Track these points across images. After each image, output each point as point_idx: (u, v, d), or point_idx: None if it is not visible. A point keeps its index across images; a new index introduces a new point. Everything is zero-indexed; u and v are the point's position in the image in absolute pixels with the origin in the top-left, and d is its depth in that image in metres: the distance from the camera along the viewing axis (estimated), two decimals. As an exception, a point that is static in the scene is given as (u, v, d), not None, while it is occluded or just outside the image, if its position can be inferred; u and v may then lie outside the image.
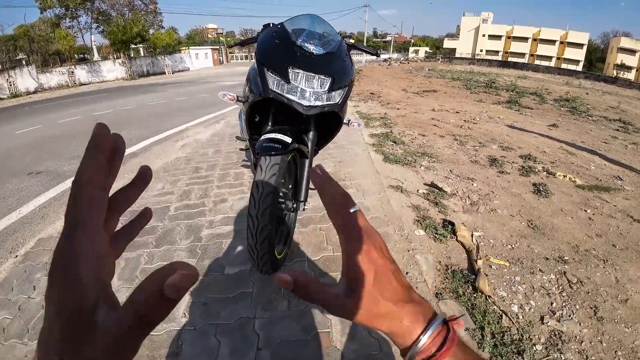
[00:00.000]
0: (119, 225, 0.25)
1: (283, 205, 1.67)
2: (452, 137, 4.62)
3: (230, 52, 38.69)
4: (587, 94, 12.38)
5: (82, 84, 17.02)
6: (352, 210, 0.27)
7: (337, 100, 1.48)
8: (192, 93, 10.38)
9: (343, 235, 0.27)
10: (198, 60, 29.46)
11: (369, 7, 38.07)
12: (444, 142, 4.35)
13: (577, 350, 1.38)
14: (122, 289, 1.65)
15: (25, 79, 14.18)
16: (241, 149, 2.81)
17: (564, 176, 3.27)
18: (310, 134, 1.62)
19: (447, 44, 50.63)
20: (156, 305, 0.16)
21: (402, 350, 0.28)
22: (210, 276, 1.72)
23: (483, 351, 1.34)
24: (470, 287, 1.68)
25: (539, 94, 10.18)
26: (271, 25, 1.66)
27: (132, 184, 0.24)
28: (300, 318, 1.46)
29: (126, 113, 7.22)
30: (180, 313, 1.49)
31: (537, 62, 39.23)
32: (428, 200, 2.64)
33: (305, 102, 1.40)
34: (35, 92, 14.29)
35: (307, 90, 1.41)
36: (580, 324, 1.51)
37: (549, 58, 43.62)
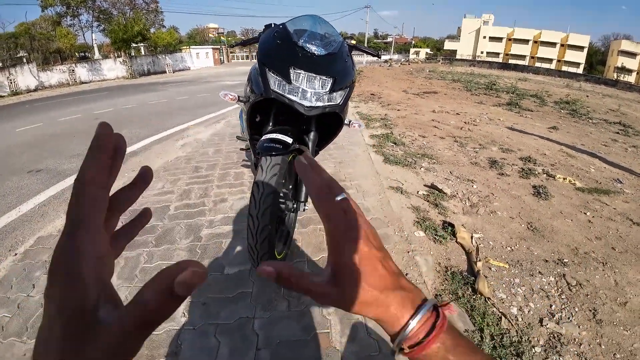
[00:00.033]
0: (119, 225, 0.25)
1: (283, 206, 1.67)
2: (452, 138, 4.63)
3: (231, 52, 38.73)
4: (587, 96, 12.39)
5: (83, 83, 17.02)
6: (338, 198, 0.27)
7: (338, 101, 1.48)
8: (193, 92, 10.38)
9: (327, 224, 0.27)
10: (199, 59, 29.48)
11: (370, 8, 38.09)
12: (444, 144, 4.35)
13: (575, 352, 1.38)
14: (121, 287, 1.64)
15: (25, 77, 14.19)
16: (241, 149, 2.81)
17: (564, 179, 3.28)
18: (311, 135, 1.62)
19: (448, 45, 50.71)
20: (165, 302, 0.17)
21: (391, 337, 0.28)
22: (210, 276, 1.72)
23: (482, 353, 1.34)
24: (470, 289, 1.68)
25: (540, 96, 10.19)
26: (273, 25, 1.66)
27: (133, 184, 0.25)
28: (299, 318, 1.46)
29: (127, 112, 7.22)
30: (180, 312, 1.48)
31: (537, 64, 39.27)
32: (428, 201, 2.65)
33: (306, 103, 1.41)
34: (35, 90, 14.29)
35: (308, 90, 1.41)
36: (579, 327, 1.51)
37: (550, 60, 43.67)
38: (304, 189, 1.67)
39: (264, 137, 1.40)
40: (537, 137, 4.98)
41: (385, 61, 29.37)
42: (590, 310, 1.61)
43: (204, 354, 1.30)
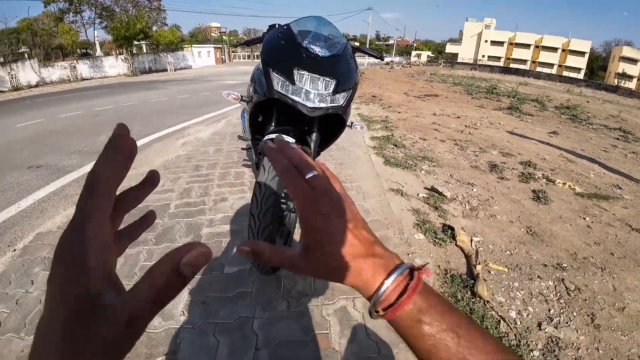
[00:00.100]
0: (121, 226, 0.26)
1: (284, 206, 1.68)
2: (452, 141, 4.64)
3: (233, 51, 38.73)
4: (587, 102, 12.42)
5: (84, 79, 17.01)
6: (308, 176, 0.28)
7: (341, 103, 1.48)
8: (194, 91, 10.38)
9: (295, 202, 0.28)
10: (200, 58, 29.48)
11: (372, 10, 38.11)
12: (444, 147, 4.36)
13: (573, 357, 1.39)
14: (121, 285, 1.64)
15: (27, 73, 14.18)
16: (243, 149, 2.81)
17: (564, 184, 3.28)
18: (314, 136, 1.62)
19: (450, 48, 50.81)
20: (172, 282, 0.17)
21: (369, 301, 0.29)
22: (210, 275, 1.72)
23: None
24: (469, 292, 1.69)
25: (540, 101, 10.21)
26: (277, 26, 1.66)
27: (140, 185, 0.25)
28: (299, 319, 1.46)
29: (128, 109, 7.22)
30: (179, 311, 1.49)
31: (538, 69, 39.34)
32: (428, 204, 2.65)
33: (309, 104, 1.41)
34: (36, 85, 14.27)
35: (311, 91, 1.41)
36: (577, 331, 1.51)
37: (551, 65, 43.79)
38: None
39: (266, 137, 1.40)
40: (537, 142, 5.00)
41: (387, 63, 29.41)
42: (589, 315, 1.61)
43: (203, 353, 1.30)
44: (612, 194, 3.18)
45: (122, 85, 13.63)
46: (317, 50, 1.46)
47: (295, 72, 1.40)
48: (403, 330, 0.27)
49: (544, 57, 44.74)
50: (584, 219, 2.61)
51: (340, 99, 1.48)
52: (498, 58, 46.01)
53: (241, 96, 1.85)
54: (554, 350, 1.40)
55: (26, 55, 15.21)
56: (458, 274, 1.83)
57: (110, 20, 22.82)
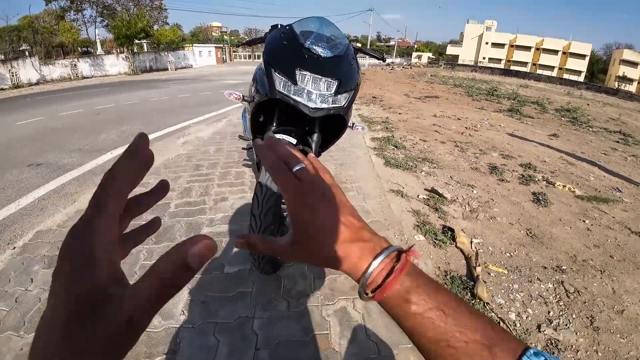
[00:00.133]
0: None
1: (285, 206, 1.67)
2: (453, 143, 4.64)
3: (234, 51, 38.73)
4: (588, 104, 12.44)
5: (85, 78, 16.99)
6: (295, 169, 0.29)
7: (343, 104, 1.48)
8: (195, 90, 10.38)
9: (284, 195, 0.29)
10: (201, 57, 29.46)
11: (374, 11, 38.15)
12: (444, 148, 4.36)
13: (573, 359, 1.39)
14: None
15: (27, 70, 14.16)
16: (243, 148, 2.81)
17: (564, 186, 3.29)
18: (315, 136, 1.62)
19: (450, 50, 50.83)
20: (179, 273, 0.17)
21: (358, 284, 0.29)
22: (210, 274, 1.72)
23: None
24: (469, 294, 1.69)
25: (540, 103, 10.23)
26: (279, 26, 1.67)
27: (150, 192, 0.26)
28: (299, 319, 1.46)
29: (129, 108, 7.22)
30: (179, 310, 1.49)
31: (539, 71, 39.40)
32: (428, 205, 2.65)
33: (311, 104, 1.41)
34: (37, 83, 14.26)
35: (313, 92, 1.41)
36: (576, 334, 1.51)
37: (551, 68, 43.85)
38: None
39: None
40: (537, 144, 5.00)
41: (388, 64, 29.44)
42: (588, 318, 1.62)
43: (203, 352, 1.30)
44: (612, 196, 3.18)
45: (122, 83, 13.63)
46: (320, 50, 1.46)
47: (297, 72, 1.40)
48: (392, 310, 0.28)
49: (545, 59, 44.80)
50: (584, 221, 2.61)
51: (342, 99, 1.48)
52: (499, 60, 46.05)
53: (243, 96, 1.85)
54: (553, 352, 1.40)
55: (27, 53, 15.20)
56: (458, 275, 1.83)
57: (111, 18, 22.86)
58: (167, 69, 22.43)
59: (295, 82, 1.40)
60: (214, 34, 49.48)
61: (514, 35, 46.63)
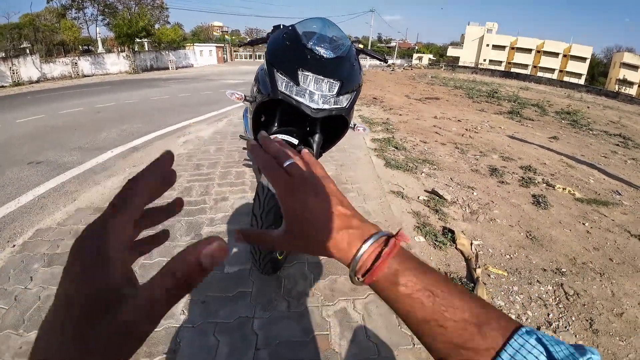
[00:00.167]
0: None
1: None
2: (453, 145, 4.65)
3: (235, 51, 38.73)
4: (588, 107, 12.46)
5: (85, 76, 16.97)
6: (286, 164, 0.31)
7: (345, 105, 1.48)
8: (196, 90, 10.38)
9: (277, 190, 0.30)
10: (202, 57, 29.46)
11: (375, 12, 38.23)
12: (445, 150, 4.37)
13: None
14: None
15: (28, 68, 14.14)
16: (244, 148, 2.82)
17: (564, 189, 3.29)
18: (316, 137, 1.62)
19: (451, 52, 50.88)
20: (192, 272, 0.18)
21: (348, 268, 0.30)
22: (210, 274, 1.71)
23: None
24: (469, 296, 1.69)
25: (541, 105, 10.24)
26: (282, 27, 1.67)
27: (165, 207, 0.26)
28: (299, 319, 1.46)
29: (129, 107, 7.21)
30: (179, 310, 1.49)
31: (539, 74, 39.45)
32: (428, 207, 2.65)
33: (313, 105, 1.41)
34: (37, 81, 14.24)
35: (315, 93, 1.41)
36: (575, 336, 1.52)
37: (552, 70, 43.92)
38: None
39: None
40: (537, 147, 5.01)
41: (388, 65, 29.44)
42: (587, 320, 1.62)
43: (203, 352, 1.30)
44: (612, 199, 3.19)
45: (123, 82, 13.62)
46: (322, 51, 1.46)
47: (299, 73, 1.40)
48: (382, 293, 0.29)
49: (545, 62, 44.87)
50: (584, 224, 2.62)
51: (344, 100, 1.48)
52: (499, 62, 46.12)
53: (245, 96, 1.85)
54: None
55: (28, 51, 15.18)
56: (458, 277, 1.84)
57: (112, 17, 22.83)
58: (167, 68, 22.42)
59: (297, 83, 1.40)
60: (215, 33, 49.51)
61: (514, 38, 46.69)
